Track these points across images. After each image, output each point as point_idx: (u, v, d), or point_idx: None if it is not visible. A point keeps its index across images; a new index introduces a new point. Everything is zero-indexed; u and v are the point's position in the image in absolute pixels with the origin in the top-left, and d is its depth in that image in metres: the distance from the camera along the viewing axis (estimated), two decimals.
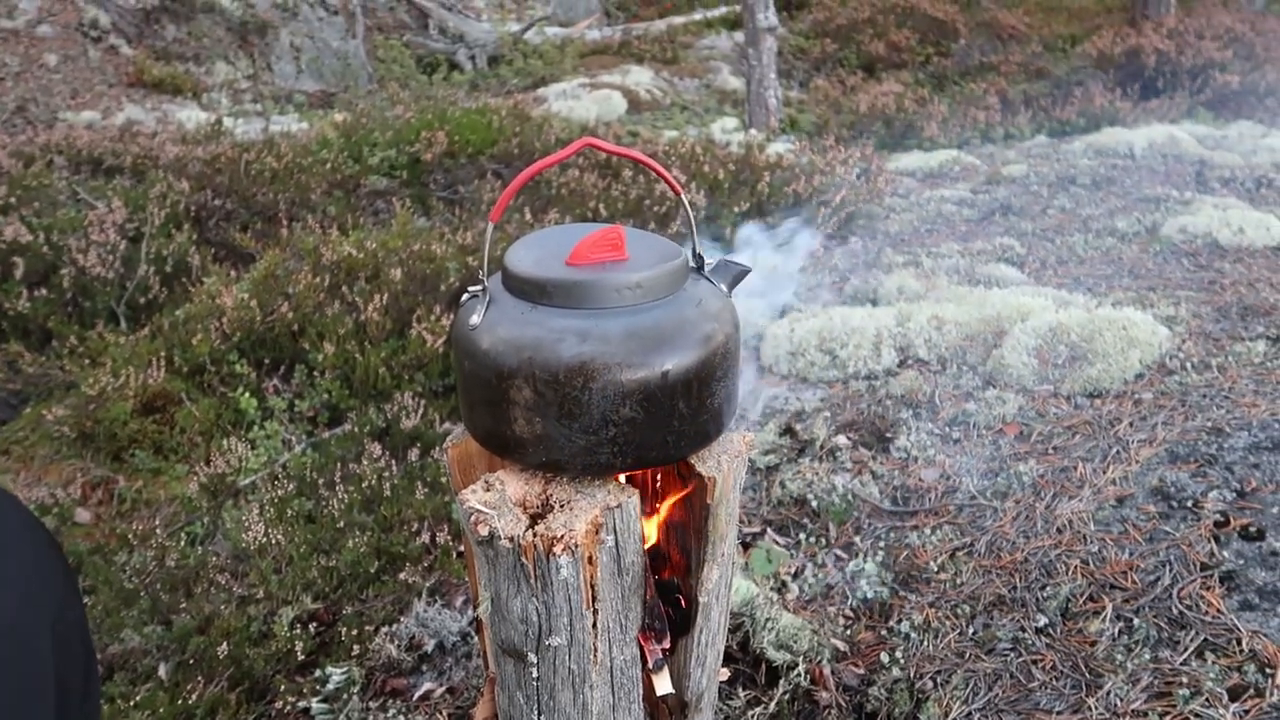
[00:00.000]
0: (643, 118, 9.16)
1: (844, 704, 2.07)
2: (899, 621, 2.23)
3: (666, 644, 1.43)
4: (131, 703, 2.35)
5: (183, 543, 3.14)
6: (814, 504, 2.69)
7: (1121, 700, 1.82)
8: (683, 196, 1.34)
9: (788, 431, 2.98)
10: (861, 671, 2.13)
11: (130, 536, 3.29)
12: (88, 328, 4.71)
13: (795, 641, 2.19)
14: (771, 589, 2.38)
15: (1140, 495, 2.41)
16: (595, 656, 1.32)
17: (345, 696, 2.30)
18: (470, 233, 5.48)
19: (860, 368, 3.35)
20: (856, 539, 2.54)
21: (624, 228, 1.37)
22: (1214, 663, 1.84)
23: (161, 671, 2.56)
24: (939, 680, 2.03)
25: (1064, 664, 1.97)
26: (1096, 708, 1.82)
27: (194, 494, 3.26)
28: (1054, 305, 3.41)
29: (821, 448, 2.91)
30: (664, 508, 1.41)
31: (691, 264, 1.38)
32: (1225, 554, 2.12)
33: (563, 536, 1.21)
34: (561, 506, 1.26)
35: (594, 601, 1.28)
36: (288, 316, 4.23)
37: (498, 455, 1.31)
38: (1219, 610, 1.96)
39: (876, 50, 11.45)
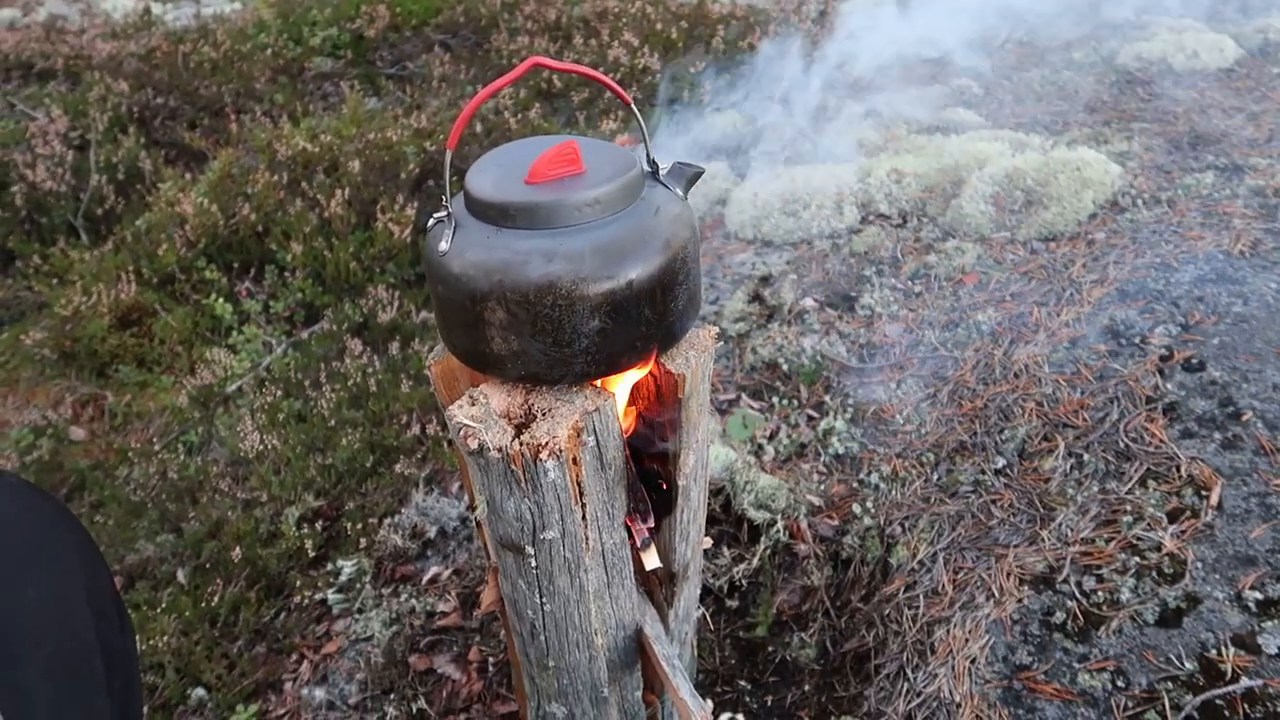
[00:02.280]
0: None
1: (821, 554, 2.25)
2: (869, 473, 2.38)
3: (651, 524, 1.55)
4: (158, 609, 2.49)
5: (180, 453, 3.24)
6: (785, 367, 2.81)
7: (1072, 530, 1.99)
8: (633, 106, 1.37)
9: (756, 298, 3.07)
10: (836, 523, 2.29)
11: (129, 451, 3.39)
12: (49, 245, 4.66)
13: (773, 500, 2.34)
14: (749, 453, 2.52)
15: (1092, 335, 2.53)
16: (587, 544, 1.44)
17: (358, 586, 2.46)
18: (424, 113, 5.38)
19: (824, 227, 3.40)
20: (827, 398, 2.67)
21: (578, 139, 1.40)
22: (1155, 489, 2.01)
23: (180, 576, 2.71)
24: (907, 525, 2.20)
25: (1020, 501, 2.13)
26: (1049, 539, 1.99)
27: (184, 405, 3.33)
28: (1011, 150, 3.45)
29: (789, 311, 3.00)
30: (641, 404, 1.50)
31: (647, 169, 1.42)
32: (1169, 386, 2.26)
33: (547, 443, 1.30)
34: (544, 415, 1.34)
35: (581, 497, 1.39)
36: (250, 218, 4.21)
37: (478, 371, 1.39)
38: (1161, 440, 2.12)
39: None
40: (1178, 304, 2.52)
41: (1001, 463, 2.26)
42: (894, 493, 2.30)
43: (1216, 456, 2.03)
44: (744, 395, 2.78)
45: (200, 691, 2.31)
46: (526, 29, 6.44)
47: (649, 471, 1.56)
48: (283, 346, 3.85)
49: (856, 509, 2.29)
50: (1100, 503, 2.03)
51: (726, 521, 2.39)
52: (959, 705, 1.73)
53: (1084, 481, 2.10)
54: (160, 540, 2.88)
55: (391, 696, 2.12)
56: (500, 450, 1.32)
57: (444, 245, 1.33)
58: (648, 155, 1.42)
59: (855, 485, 2.38)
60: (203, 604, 2.53)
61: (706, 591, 2.23)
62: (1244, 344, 2.31)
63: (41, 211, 4.78)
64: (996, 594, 1.93)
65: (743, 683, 2.05)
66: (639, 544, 1.58)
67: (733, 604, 2.21)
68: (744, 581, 2.21)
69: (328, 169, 4.55)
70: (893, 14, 6.19)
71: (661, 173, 1.42)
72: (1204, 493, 1.96)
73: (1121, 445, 2.15)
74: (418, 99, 5.91)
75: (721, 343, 2.98)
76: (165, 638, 2.43)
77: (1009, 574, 1.95)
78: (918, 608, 1.98)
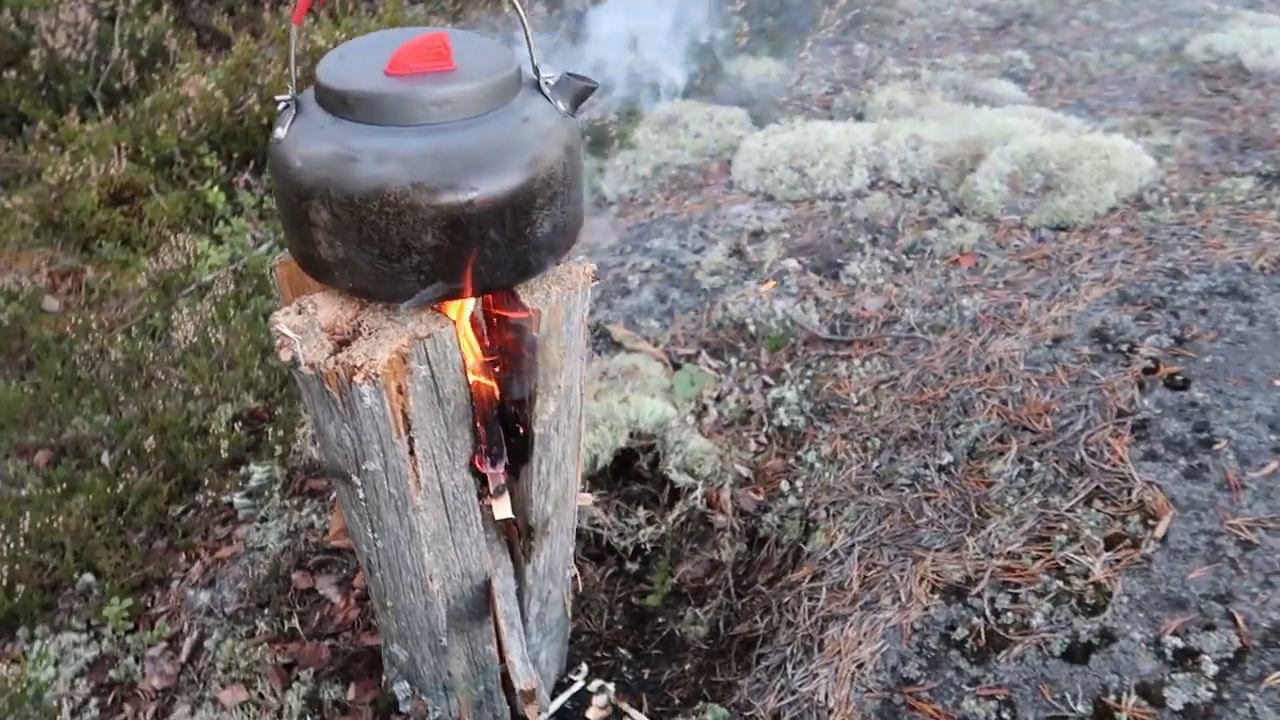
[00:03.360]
0: None
1: (738, 528, 2.10)
2: (808, 451, 2.22)
3: (503, 470, 1.42)
4: (72, 487, 2.44)
5: (136, 337, 3.18)
6: (752, 329, 2.64)
7: (1000, 542, 1.82)
8: (514, 2, 1.21)
9: (736, 252, 2.89)
10: (760, 498, 2.14)
11: (91, 328, 3.35)
12: (62, 112, 4.61)
13: (700, 465, 2.20)
14: (691, 412, 2.38)
15: (1078, 336, 2.32)
16: (418, 482, 1.32)
17: (267, 494, 2.37)
18: (463, 23, 5.21)
19: (829, 187, 3.20)
20: (787, 366, 2.51)
21: (451, 33, 1.25)
22: (1100, 511, 1.82)
23: (105, 459, 2.65)
24: (832, 511, 2.04)
25: (955, 503, 1.96)
26: (974, 548, 1.82)
27: (144, 287, 3.27)
28: (1042, 128, 3.20)
29: (769, 270, 2.82)
30: (498, 339, 1.36)
31: (532, 78, 1.26)
32: (1146, 402, 2.06)
33: (363, 365, 1.17)
34: (369, 335, 1.21)
35: (409, 431, 1.26)
36: (256, 110, 4.10)
37: (311, 277, 1.25)
38: (1121, 458, 1.92)
39: None
40: (1178, 314, 2.30)
41: (948, 459, 2.08)
42: (828, 475, 2.14)
43: (1176, 485, 1.84)
44: (704, 352, 2.62)
45: (90, 577, 2.25)
46: None
47: (511, 414, 1.42)
48: (267, 245, 3.76)
49: (785, 486, 2.13)
50: (1038, 516, 1.85)
51: (651, 481, 2.25)
52: (831, 711, 1.59)
53: (1027, 491, 1.92)
54: (96, 420, 2.83)
55: (266, 611, 2.04)
56: (313, 367, 1.19)
57: (280, 132, 1.19)
58: (531, 60, 1.25)
59: (791, 461, 2.22)
60: (115, 489, 2.47)
61: (609, 551, 2.11)
62: (1237, 367, 2.09)
63: (60, 79, 4.72)
64: (903, 598, 1.77)
65: (624, 651, 1.93)
66: (492, 490, 1.45)
67: (634, 568, 2.08)
68: (649, 546, 2.08)
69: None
70: None
71: (547, 81, 1.26)
72: (1151, 522, 1.77)
73: (1077, 458, 1.96)
74: (459, 9, 5.73)
75: (691, 295, 2.82)
76: (70, 518, 2.37)
77: (922, 579, 1.79)
78: (818, 600, 1.84)
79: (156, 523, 2.41)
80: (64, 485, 2.53)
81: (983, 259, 2.73)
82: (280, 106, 1.23)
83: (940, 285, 2.64)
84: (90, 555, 2.31)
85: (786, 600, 1.87)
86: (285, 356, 1.20)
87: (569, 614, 1.77)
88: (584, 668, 1.89)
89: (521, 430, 1.40)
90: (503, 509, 1.46)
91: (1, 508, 2.38)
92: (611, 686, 1.84)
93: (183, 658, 2.03)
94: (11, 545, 2.23)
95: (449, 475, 1.37)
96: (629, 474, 2.27)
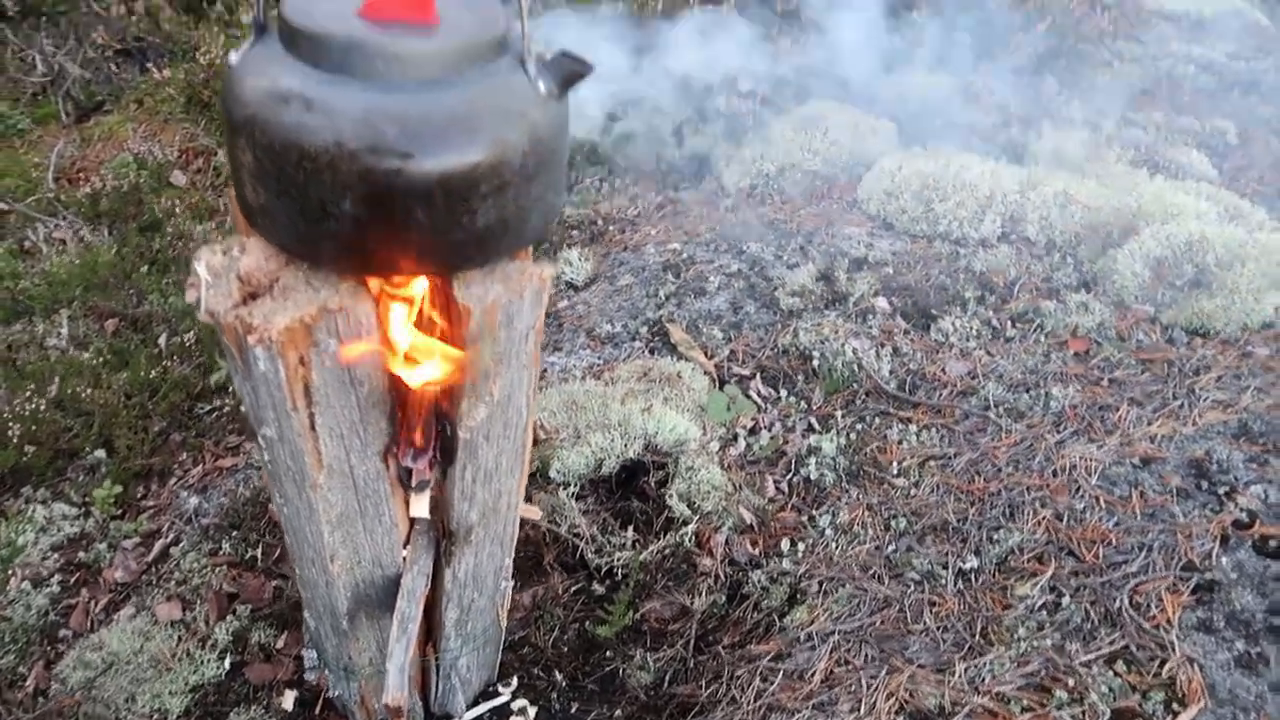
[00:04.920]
0: None
1: (722, 577, 1.93)
2: (825, 513, 2.01)
3: (425, 466, 1.30)
4: (124, 360, 2.51)
5: (231, 228, 3.24)
6: (816, 363, 2.42)
7: (993, 677, 1.58)
8: None
9: (824, 278, 2.66)
10: (756, 551, 1.96)
11: (203, 209, 3.45)
12: None
13: (705, 499, 2.03)
14: (718, 438, 2.20)
15: (1172, 462, 2.01)
16: (319, 461, 1.22)
17: None
18: None
19: (954, 228, 2.91)
20: (839, 414, 2.28)
21: None
22: (1119, 675, 1.55)
23: (162, 341, 2.70)
24: (825, 587, 1.83)
25: (961, 618, 1.72)
26: (962, 675, 1.59)
27: None
28: (1217, 215, 2.79)
29: (855, 305, 2.58)
30: (436, 331, 1.23)
31: (527, 49, 1.11)
32: (1223, 561, 1.75)
33: (258, 327, 1.07)
34: (280, 294, 1.11)
35: (309, 405, 1.15)
36: None
37: (242, 215, 1.16)
38: (1168, 621, 1.63)
39: None
40: None
41: (972, 564, 1.83)
42: (836, 547, 1.92)
43: (1221, 670, 1.54)
44: (759, 376, 2.43)
45: (102, 453, 2.29)
46: None
47: (443, 412, 1.30)
48: None
49: (785, 545, 1.94)
50: (1045, 661, 1.59)
51: (652, 501, 2.09)
52: None
53: (1045, 627, 1.66)
54: (172, 301, 2.89)
55: (235, 533, 2.01)
56: (213, 316, 1.10)
57: (234, 55, 1.09)
58: (523, 31, 1.10)
59: (804, 520, 2.02)
60: (155, 373, 2.51)
61: (582, 566, 1.97)
62: None
63: None
64: (863, 711, 1.56)
65: (561, 677, 1.79)
66: (414, 484, 1.33)
67: (600, 590, 1.93)
68: (621, 571, 1.93)
69: None
70: (1199, 25, 5.27)
71: (533, 57, 1.11)
72: (1176, 707, 1.49)
73: (1116, 605, 1.68)
74: None
75: (766, 312, 2.61)
76: (106, 391, 2.43)
77: (891, 695, 1.58)
78: (771, 682, 1.65)
79: (180, 415, 2.44)
80: (111, 355, 2.60)
81: (1095, 347, 2.40)
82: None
83: (1036, 365, 2.35)
84: (110, 429, 2.35)
85: (740, 673, 1.69)
86: (190, 297, 1.11)
87: (502, 624, 1.65)
88: (514, 681, 1.77)
89: (448, 432, 1.28)
90: (418, 507, 1.35)
91: (44, 367, 2.46)
92: (534, 711, 1.71)
93: (150, 557, 2.03)
94: (36, 404, 2.29)
95: (360, 459, 1.26)
96: (632, 488, 2.12)
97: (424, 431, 1.30)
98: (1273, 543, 1.77)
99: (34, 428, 2.27)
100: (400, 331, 1.19)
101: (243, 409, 1.26)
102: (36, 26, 4.15)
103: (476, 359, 1.18)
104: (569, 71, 1.12)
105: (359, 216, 1.03)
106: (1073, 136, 3.49)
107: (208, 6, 4.62)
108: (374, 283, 1.15)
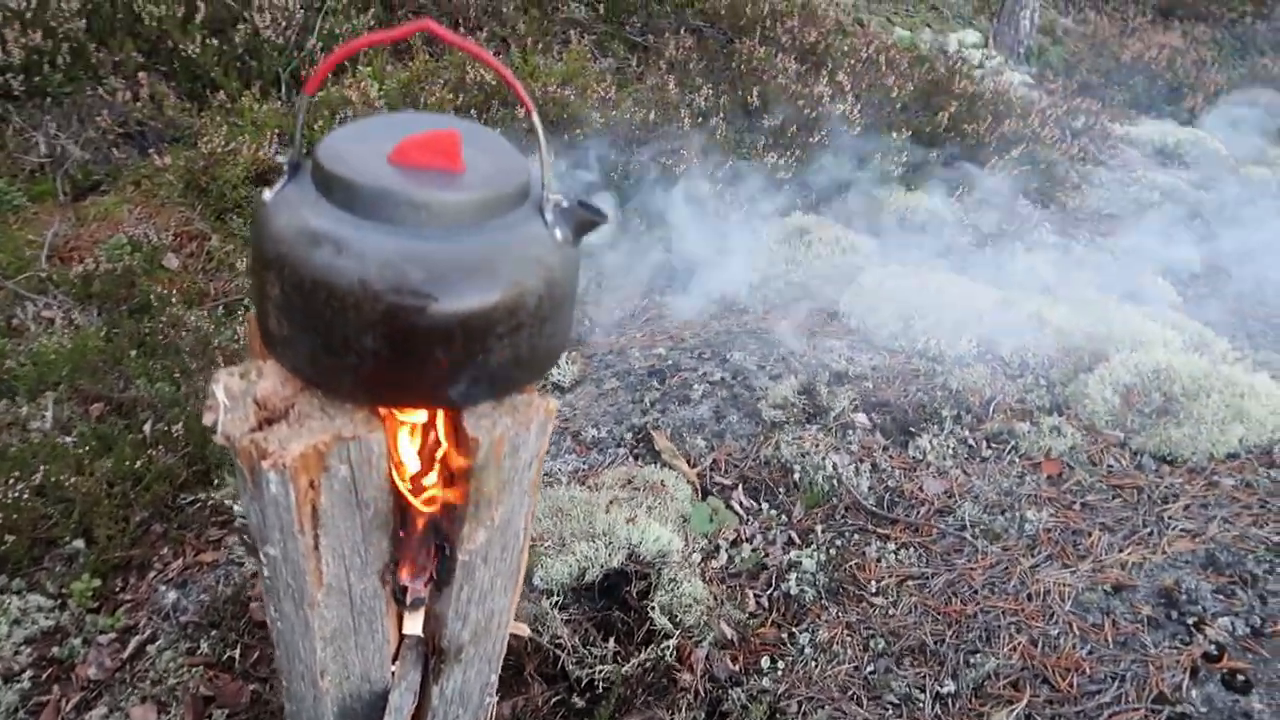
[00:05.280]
0: (881, 7, 8.41)
1: (702, 693, 1.93)
2: (805, 630, 2.03)
3: (422, 586, 1.32)
4: (107, 446, 2.51)
5: (220, 317, 3.28)
6: (797, 476, 2.47)
7: None
8: (534, 115, 1.13)
9: (806, 391, 2.73)
10: (737, 668, 1.97)
11: (195, 294, 3.48)
12: (248, 87, 4.89)
13: (687, 612, 2.04)
14: (700, 549, 2.23)
15: (1143, 591, 2.06)
16: (319, 580, 1.24)
17: None
18: (630, 89, 5.27)
19: (931, 346, 3.00)
20: (819, 528, 2.32)
21: (472, 131, 1.19)
22: None
23: (147, 428, 2.71)
24: (804, 709, 1.85)
25: None
26: None
27: (241, 270, 3.37)
28: (1182, 344, 2.91)
29: (836, 419, 2.65)
30: (446, 456, 1.27)
31: (546, 198, 1.18)
32: (1192, 694, 1.79)
33: (273, 452, 1.10)
34: (297, 420, 1.15)
35: (315, 527, 1.18)
36: None
37: (263, 342, 1.20)
38: None
39: None
40: (1266, 599, 2.01)
41: (950, 688, 1.86)
42: (816, 666, 1.94)
43: None
44: (741, 486, 2.47)
45: (80, 543, 2.28)
46: (780, 42, 6.19)
47: (443, 532, 1.33)
48: None
49: (766, 663, 1.95)
50: None
51: (634, 612, 2.11)
52: None
53: None
54: (158, 388, 2.91)
55: (214, 633, 2.00)
56: (229, 440, 1.13)
57: (268, 194, 1.15)
58: (543, 182, 1.17)
59: (785, 636, 2.04)
60: (139, 462, 2.51)
61: (563, 678, 1.97)
62: None
63: (255, 56, 5.02)
64: None
65: None
66: (409, 602, 1.35)
67: (580, 703, 1.94)
68: (601, 684, 1.93)
69: (503, 103, 4.52)
70: (1163, 153, 5.53)
71: (552, 205, 1.18)
72: None
73: None
74: (637, 73, 5.81)
75: (750, 423, 2.67)
76: (88, 479, 2.42)
77: None
78: None
79: (162, 506, 2.44)
80: (95, 441, 2.60)
81: (1068, 470, 2.48)
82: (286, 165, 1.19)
83: (1011, 487, 2.41)
84: (90, 521, 2.34)
85: None
86: (207, 420, 1.15)
87: None
88: None
89: (447, 553, 1.31)
90: (411, 625, 1.37)
91: (26, 451, 2.46)
92: None
93: (125, 654, 2.01)
94: (19, 491, 2.28)
95: (359, 578, 1.28)
96: (614, 598, 2.13)
97: (424, 552, 1.33)
98: (1241, 677, 1.82)
99: (14, 515, 2.25)
100: (409, 455, 1.23)
101: (242, 522, 1.28)
102: (41, 107, 4.24)
103: (481, 486, 1.22)
104: (584, 220, 1.19)
105: (380, 352, 1.08)
106: (1045, 257, 3.63)
107: (211, 95, 4.74)
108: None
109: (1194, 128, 6.29)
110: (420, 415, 1.24)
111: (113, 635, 2.05)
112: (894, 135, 4.28)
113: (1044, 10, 8.54)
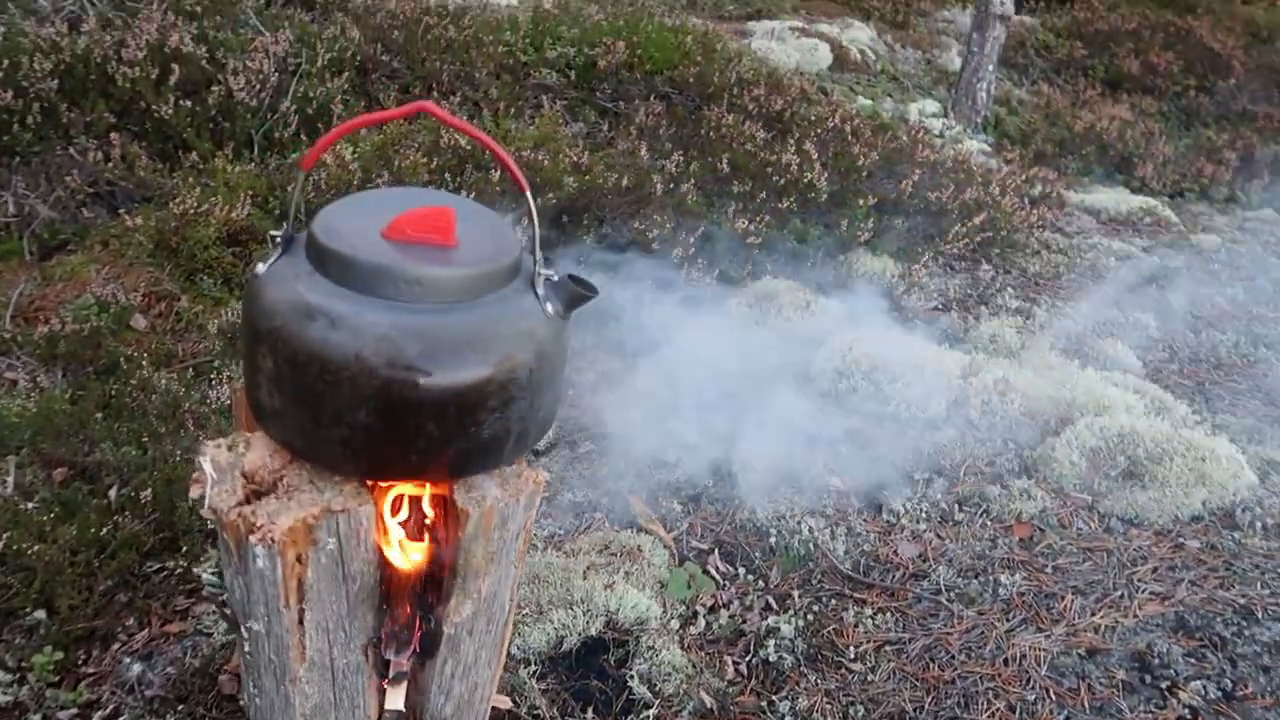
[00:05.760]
0: (844, 78, 8.64)
1: None
2: (784, 698, 2.02)
3: (405, 660, 1.31)
4: (70, 512, 2.45)
5: (191, 380, 3.24)
6: (773, 541, 2.48)
7: None
8: (528, 195, 1.16)
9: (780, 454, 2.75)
10: None
11: (163, 357, 3.44)
12: (220, 148, 4.90)
13: (666, 681, 2.03)
14: (678, 616, 2.22)
15: (1116, 655, 2.08)
16: (302, 655, 1.22)
17: None
18: (601, 153, 5.35)
19: (901, 410, 3.04)
20: (796, 593, 2.33)
21: (466, 208, 1.21)
22: None
23: (112, 494, 2.66)
24: None
25: None
26: None
27: (213, 333, 3.35)
28: (1144, 408, 2.98)
29: (810, 483, 2.67)
30: (431, 529, 1.27)
31: (537, 273, 1.20)
32: None
33: (261, 526, 1.09)
34: (285, 494, 1.14)
35: (300, 601, 1.17)
36: (382, 187, 4.25)
37: (252, 414, 1.20)
38: None
39: (1129, 67, 10.29)
40: (1236, 662, 2.03)
41: None
42: None
43: None
44: (717, 551, 2.47)
45: (41, 614, 2.22)
46: (747, 109, 6.33)
47: (428, 604, 1.32)
48: None
49: None
50: None
51: (612, 680, 2.09)
52: None
53: None
54: (123, 451, 2.86)
55: (180, 707, 1.95)
56: (215, 513, 1.12)
57: (261, 266, 1.16)
58: (534, 258, 1.19)
59: (764, 704, 2.03)
60: (104, 529, 2.46)
61: None
62: None
63: (228, 118, 5.04)
64: None
65: None
66: (391, 676, 1.34)
67: None
68: None
69: (478, 166, 4.57)
70: (1116, 221, 5.69)
71: (543, 279, 1.20)
72: None
73: None
74: (607, 138, 5.91)
75: (726, 487, 2.68)
76: (51, 546, 2.37)
77: None
78: None
79: (127, 575, 2.38)
80: (58, 507, 2.54)
81: (1039, 534, 2.51)
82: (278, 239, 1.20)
83: (984, 551, 2.44)
84: (53, 591, 2.28)
85: None
86: (194, 493, 1.14)
87: None
88: None
89: (432, 625, 1.30)
90: (394, 699, 1.35)
91: None
92: None
93: None
94: None
95: (342, 652, 1.27)
96: (592, 666, 2.11)
97: (409, 625, 1.31)
98: None
99: None
100: (395, 525, 1.23)
101: (210, 591, 1.26)
102: (9, 166, 4.21)
103: (469, 558, 1.22)
104: (575, 294, 1.21)
105: (372, 426, 1.09)
106: (1007, 322, 3.72)
107: (183, 156, 4.74)
108: None
109: (1145, 196, 6.51)
110: (409, 487, 1.24)
111: (74, 711, 1.99)
112: (860, 202, 4.38)
113: (999, 82, 8.83)
